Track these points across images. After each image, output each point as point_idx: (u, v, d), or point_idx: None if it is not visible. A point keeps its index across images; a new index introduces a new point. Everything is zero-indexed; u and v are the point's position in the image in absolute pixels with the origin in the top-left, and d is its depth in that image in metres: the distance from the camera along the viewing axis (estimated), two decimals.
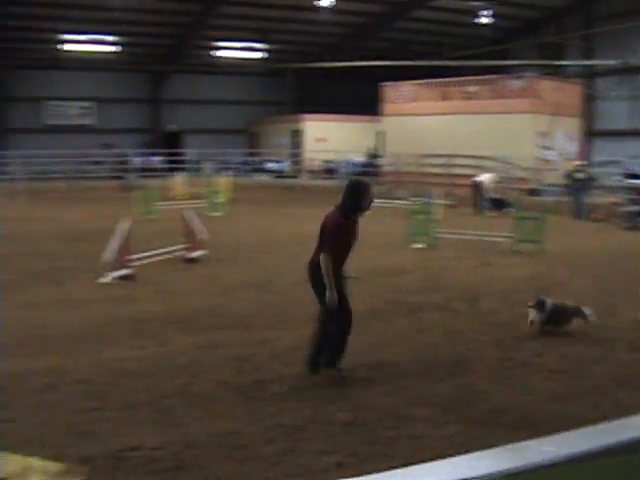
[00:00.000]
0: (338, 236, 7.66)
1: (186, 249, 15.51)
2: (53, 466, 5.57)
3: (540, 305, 9.91)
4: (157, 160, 42.45)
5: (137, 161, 40.94)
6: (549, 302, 9.93)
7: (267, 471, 5.74)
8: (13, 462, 5.45)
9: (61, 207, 28.33)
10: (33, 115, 44.15)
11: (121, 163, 40.21)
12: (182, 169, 38.06)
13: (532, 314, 9.98)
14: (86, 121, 45.77)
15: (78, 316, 10.80)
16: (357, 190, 7.88)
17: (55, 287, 13.02)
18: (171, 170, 37.97)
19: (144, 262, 14.59)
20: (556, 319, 9.97)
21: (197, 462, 5.92)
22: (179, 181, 32.43)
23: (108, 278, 13.21)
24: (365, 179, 8.88)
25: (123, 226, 13.75)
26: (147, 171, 39.34)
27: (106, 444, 6.22)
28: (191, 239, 15.58)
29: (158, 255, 15.35)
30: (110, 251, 13.28)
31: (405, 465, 2.16)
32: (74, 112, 45.72)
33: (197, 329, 10.01)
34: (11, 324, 10.21)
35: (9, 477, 5.25)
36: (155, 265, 14.82)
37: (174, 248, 15.78)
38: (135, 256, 14.23)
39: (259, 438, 6.37)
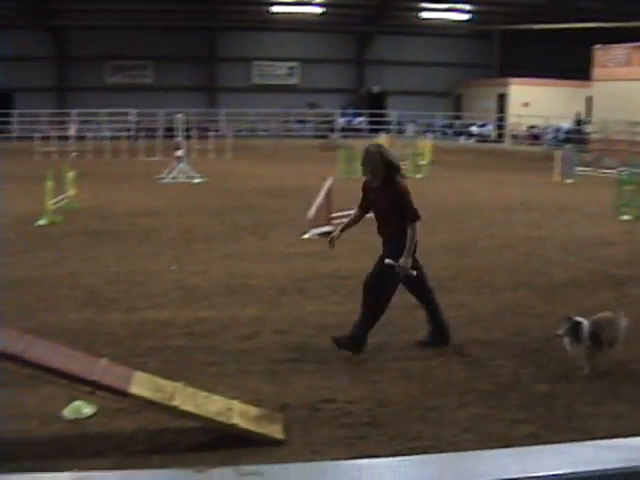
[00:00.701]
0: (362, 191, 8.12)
1: None
2: (253, 410, 5.82)
3: (574, 329, 7.02)
4: (360, 120, 42.79)
5: (341, 121, 41.42)
6: (585, 322, 7.04)
7: (459, 435, 5.72)
8: (217, 402, 5.74)
9: (265, 164, 29.20)
10: (241, 74, 45.53)
11: (325, 123, 40.84)
12: (385, 130, 38.17)
13: (568, 345, 7.11)
14: (291, 81, 46.73)
15: (281, 269, 11.17)
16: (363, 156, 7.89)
17: (260, 240, 13.52)
18: (374, 131, 38.17)
19: (346, 220, 14.77)
20: (601, 342, 7.08)
21: (390, 420, 5.99)
22: (382, 142, 32.51)
23: (310, 234, 13.51)
24: (374, 146, 8.09)
25: (327, 184, 13.99)
26: (350, 131, 39.72)
27: (302, 394, 6.42)
28: None
29: None
30: (314, 208, 13.56)
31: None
32: (281, 72, 46.76)
33: None
34: (221, 274, 10.81)
35: (212, 416, 5.52)
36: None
37: None
38: (338, 214, 14.45)
39: (453, 402, 6.36)
